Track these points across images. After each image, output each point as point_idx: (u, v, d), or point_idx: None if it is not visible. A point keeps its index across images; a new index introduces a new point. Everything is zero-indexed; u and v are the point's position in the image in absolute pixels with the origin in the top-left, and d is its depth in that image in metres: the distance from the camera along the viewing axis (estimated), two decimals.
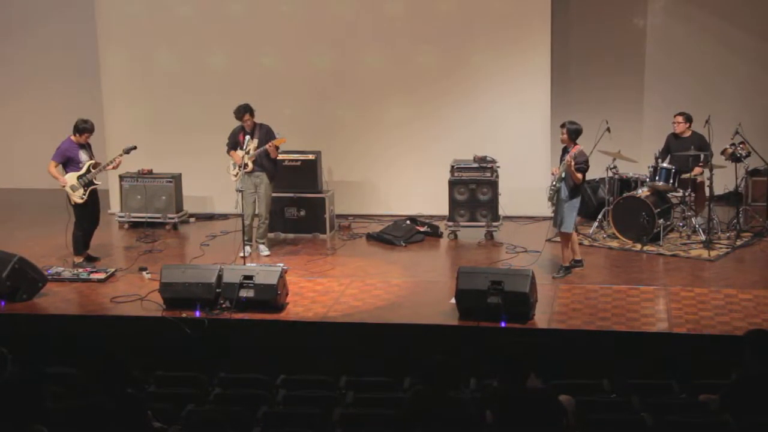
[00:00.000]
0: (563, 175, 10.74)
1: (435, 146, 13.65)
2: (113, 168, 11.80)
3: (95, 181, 11.52)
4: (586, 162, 10.74)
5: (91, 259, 11.74)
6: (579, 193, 10.87)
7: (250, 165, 11.80)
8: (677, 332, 9.43)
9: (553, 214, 11.17)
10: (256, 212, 12.02)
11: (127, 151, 11.74)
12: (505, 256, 11.97)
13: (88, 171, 11.41)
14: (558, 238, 11.37)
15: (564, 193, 10.78)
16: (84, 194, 11.42)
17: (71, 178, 11.41)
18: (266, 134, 11.85)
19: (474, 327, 9.62)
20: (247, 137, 11.81)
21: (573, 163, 10.55)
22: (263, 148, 11.76)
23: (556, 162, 13.41)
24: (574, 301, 10.30)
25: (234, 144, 11.94)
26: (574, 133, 10.79)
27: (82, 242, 11.63)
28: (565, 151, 10.86)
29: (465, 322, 9.73)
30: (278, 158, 12.14)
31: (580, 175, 10.66)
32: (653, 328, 9.63)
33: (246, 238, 11.74)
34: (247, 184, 11.84)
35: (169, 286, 10.24)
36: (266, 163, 11.91)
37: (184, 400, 7.75)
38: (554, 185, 10.83)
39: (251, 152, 11.77)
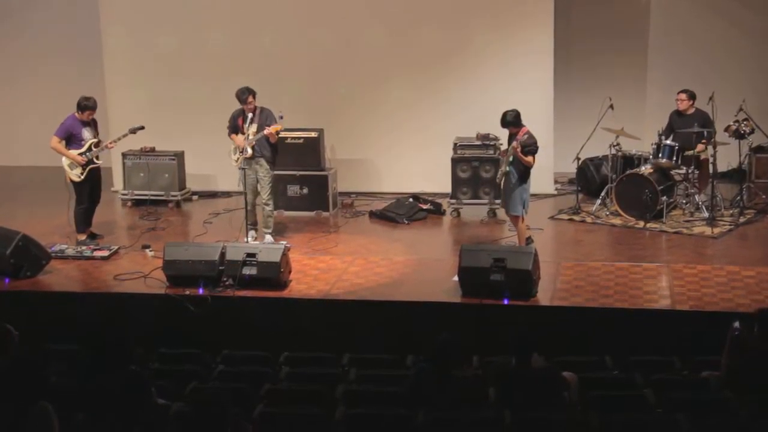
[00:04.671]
0: (511, 159, 10.54)
1: (438, 124, 13.62)
2: (111, 147, 11.73)
3: (96, 160, 11.45)
4: (535, 144, 10.51)
5: (94, 237, 11.74)
6: (528, 176, 10.63)
7: (250, 151, 11.40)
8: (680, 309, 9.44)
9: (502, 198, 11.06)
10: (260, 198, 11.62)
11: (134, 131, 11.72)
12: (507, 233, 11.95)
13: (89, 149, 11.38)
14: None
15: (514, 176, 10.58)
16: (82, 173, 11.39)
17: (74, 156, 11.38)
18: (266, 119, 11.47)
19: (477, 304, 9.63)
20: (247, 122, 11.41)
21: (520, 148, 10.39)
22: (261, 133, 11.35)
23: (560, 139, 13.50)
24: (577, 278, 10.31)
25: (234, 128, 11.57)
26: (517, 119, 10.56)
27: (83, 220, 11.62)
28: (512, 136, 10.64)
29: (468, 300, 9.74)
30: (278, 142, 11.68)
31: (530, 158, 10.46)
32: (656, 305, 9.64)
33: (249, 223, 11.56)
34: (247, 169, 11.51)
35: (172, 263, 10.25)
36: (265, 148, 11.48)
37: (188, 377, 7.78)
38: (504, 169, 10.65)
39: (251, 137, 11.39)
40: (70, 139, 11.36)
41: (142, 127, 11.85)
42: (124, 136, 11.72)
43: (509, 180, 10.64)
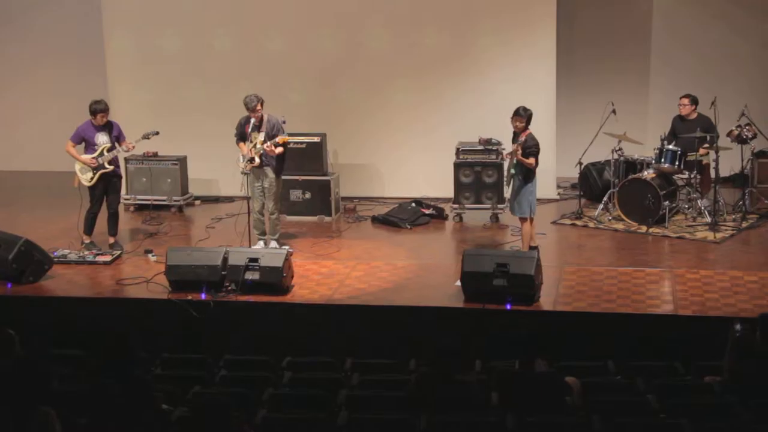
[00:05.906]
0: (515, 161, 10.57)
1: (440, 129, 13.62)
2: (125, 152, 11.62)
3: (106, 166, 11.35)
4: (537, 146, 10.53)
5: (114, 247, 11.59)
6: (533, 177, 10.63)
7: (257, 160, 11.19)
8: (682, 314, 9.44)
9: (509, 200, 11.05)
10: (266, 208, 11.44)
11: (147, 136, 11.65)
12: (510, 238, 11.96)
13: (101, 155, 11.35)
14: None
15: (518, 179, 10.60)
16: (92, 178, 11.37)
17: (84, 159, 11.35)
18: (272, 129, 11.25)
19: (479, 309, 9.62)
20: (253, 130, 11.20)
21: (520, 151, 10.40)
22: (263, 147, 11.10)
23: (563, 144, 13.50)
24: (580, 283, 10.30)
25: (242, 135, 11.36)
26: (530, 119, 10.60)
27: (89, 223, 11.53)
28: (516, 135, 10.67)
29: (470, 305, 9.74)
30: (283, 152, 11.36)
31: (531, 160, 10.47)
32: (658, 310, 9.64)
33: (258, 233, 11.46)
34: (253, 178, 11.34)
35: (175, 268, 10.26)
36: (270, 158, 11.28)
37: (190, 382, 7.78)
38: (510, 171, 10.69)
39: (258, 146, 11.17)
40: (86, 144, 11.35)
41: (157, 133, 11.75)
42: (137, 141, 11.66)
43: (515, 182, 10.68)
